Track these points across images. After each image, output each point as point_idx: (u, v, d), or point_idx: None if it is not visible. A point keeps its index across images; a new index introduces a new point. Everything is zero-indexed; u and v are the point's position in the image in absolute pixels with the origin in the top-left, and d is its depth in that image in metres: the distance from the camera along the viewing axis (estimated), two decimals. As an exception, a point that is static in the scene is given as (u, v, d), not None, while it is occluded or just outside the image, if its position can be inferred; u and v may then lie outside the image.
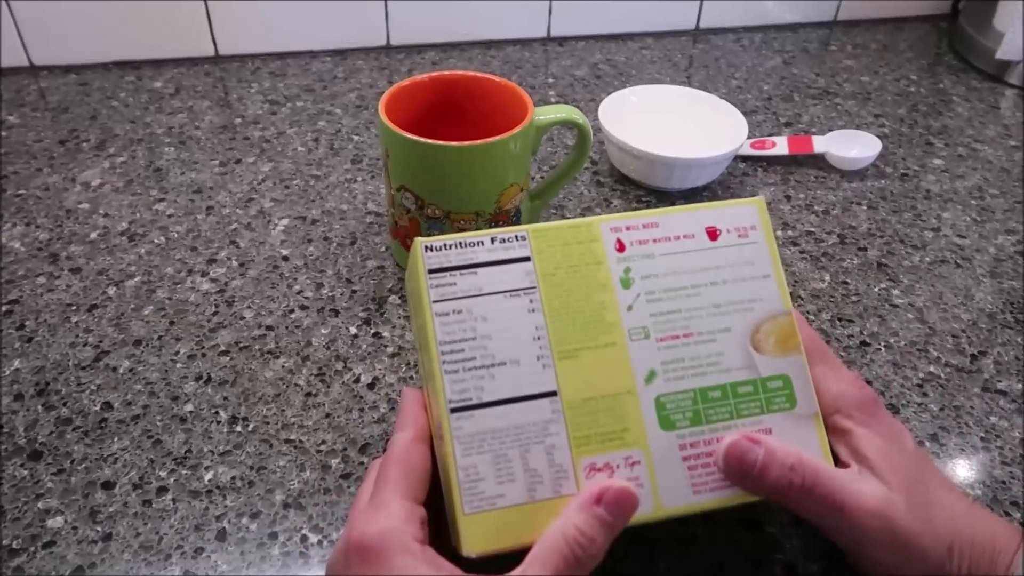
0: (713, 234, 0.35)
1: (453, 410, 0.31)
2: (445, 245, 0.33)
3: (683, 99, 0.67)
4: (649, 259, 0.34)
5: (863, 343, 0.49)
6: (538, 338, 0.32)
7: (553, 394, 0.32)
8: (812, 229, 0.59)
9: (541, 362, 0.32)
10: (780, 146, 0.66)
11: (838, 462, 0.33)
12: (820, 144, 0.66)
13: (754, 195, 0.62)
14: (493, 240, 0.33)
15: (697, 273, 0.34)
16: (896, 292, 0.53)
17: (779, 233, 0.59)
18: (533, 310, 0.33)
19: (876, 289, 0.54)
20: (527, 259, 0.33)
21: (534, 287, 0.33)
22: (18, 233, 0.56)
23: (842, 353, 0.49)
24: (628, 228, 0.34)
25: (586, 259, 0.34)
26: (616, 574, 0.36)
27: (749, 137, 0.67)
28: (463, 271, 0.33)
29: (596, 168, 0.65)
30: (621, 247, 0.34)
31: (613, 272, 0.34)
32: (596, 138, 0.67)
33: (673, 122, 0.65)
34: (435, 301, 0.32)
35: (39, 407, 0.44)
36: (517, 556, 0.30)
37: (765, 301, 0.34)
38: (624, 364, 0.33)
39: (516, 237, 0.33)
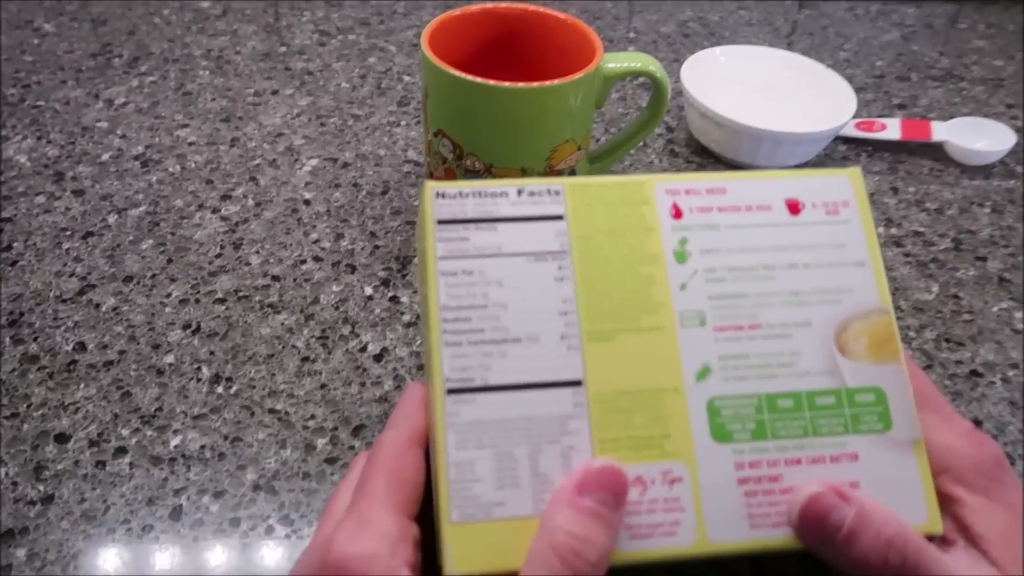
0: (795, 207, 0.28)
1: (450, 391, 0.25)
2: (461, 193, 0.26)
3: (781, 64, 0.57)
4: (712, 230, 0.27)
5: (974, 372, 0.41)
6: (565, 313, 0.26)
7: (577, 383, 0.25)
8: (921, 229, 0.50)
9: (566, 342, 0.25)
10: (891, 129, 0.56)
11: (941, 537, 0.25)
12: (940, 131, 0.56)
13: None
14: (520, 192, 0.26)
15: (772, 252, 0.27)
16: (1020, 315, 0.44)
17: (881, 230, 0.50)
18: (562, 279, 0.26)
19: (995, 309, 0.44)
20: (560, 217, 0.26)
21: (565, 251, 0.26)
22: (27, 147, 0.51)
23: (946, 383, 0.40)
24: (688, 192, 0.27)
25: (633, 223, 0.27)
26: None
27: (855, 116, 0.58)
28: (479, 224, 0.26)
29: (672, 136, 0.57)
30: (678, 213, 0.27)
31: (666, 242, 0.27)
32: (676, 102, 0.59)
33: (767, 90, 0.56)
34: (441, 257, 0.26)
35: (7, 340, 0.39)
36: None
37: (857, 294, 0.27)
38: (671, 354, 0.26)
39: (549, 191, 0.27)
